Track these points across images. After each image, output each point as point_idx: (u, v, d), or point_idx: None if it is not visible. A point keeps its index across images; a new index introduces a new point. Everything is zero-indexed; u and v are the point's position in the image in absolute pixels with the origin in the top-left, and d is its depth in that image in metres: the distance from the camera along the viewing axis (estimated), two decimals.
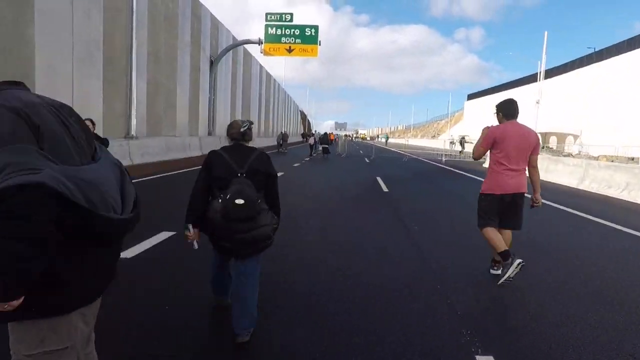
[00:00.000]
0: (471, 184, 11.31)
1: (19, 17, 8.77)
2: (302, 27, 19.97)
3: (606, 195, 10.16)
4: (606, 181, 10.74)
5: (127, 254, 3.76)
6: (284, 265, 3.76)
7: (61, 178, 0.97)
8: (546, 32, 33.95)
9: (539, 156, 3.75)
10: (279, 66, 55.18)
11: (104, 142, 1.39)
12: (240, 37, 23.03)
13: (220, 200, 2.21)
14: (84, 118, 1.54)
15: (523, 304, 3.19)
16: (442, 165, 19.32)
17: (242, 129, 2.41)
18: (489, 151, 3.71)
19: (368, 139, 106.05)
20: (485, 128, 3.73)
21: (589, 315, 2.96)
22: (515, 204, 3.60)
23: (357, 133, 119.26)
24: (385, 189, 9.92)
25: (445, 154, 22.91)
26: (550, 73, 50.79)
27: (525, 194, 3.64)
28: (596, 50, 38.39)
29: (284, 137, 25.44)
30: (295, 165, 16.39)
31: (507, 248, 3.45)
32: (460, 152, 29.41)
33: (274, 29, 19.97)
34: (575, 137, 34.11)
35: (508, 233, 3.66)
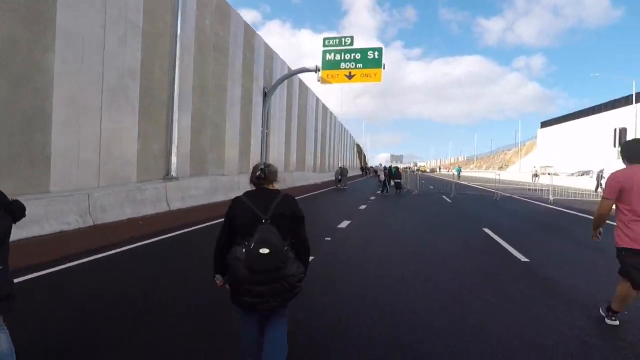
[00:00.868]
0: None
1: (36, 40, 7.35)
2: (364, 50, 17.88)
3: None
4: None
5: None
6: None
7: None
8: None
9: None
10: (332, 100, 54.11)
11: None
12: (294, 83, 21.34)
13: (243, 249, 2.09)
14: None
15: None
16: (556, 207, 15.02)
17: (257, 173, 2.30)
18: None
19: (428, 171, 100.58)
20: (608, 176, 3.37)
21: None
22: None
23: (416, 165, 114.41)
24: (517, 254, 6.48)
25: (551, 191, 17.52)
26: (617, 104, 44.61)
27: None
28: None
29: (342, 171, 22.92)
30: (362, 207, 13.67)
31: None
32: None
33: (332, 54, 18.07)
34: None
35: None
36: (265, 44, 19.24)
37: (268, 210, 2.16)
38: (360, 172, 43.36)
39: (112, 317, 3.48)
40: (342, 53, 18.05)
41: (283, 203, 2.21)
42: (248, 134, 17.40)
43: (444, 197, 18.91)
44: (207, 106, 13.71)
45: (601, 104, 49.91)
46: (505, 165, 78.77)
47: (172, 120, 11.25)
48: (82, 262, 5.34)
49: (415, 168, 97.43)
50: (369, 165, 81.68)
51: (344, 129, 52.61)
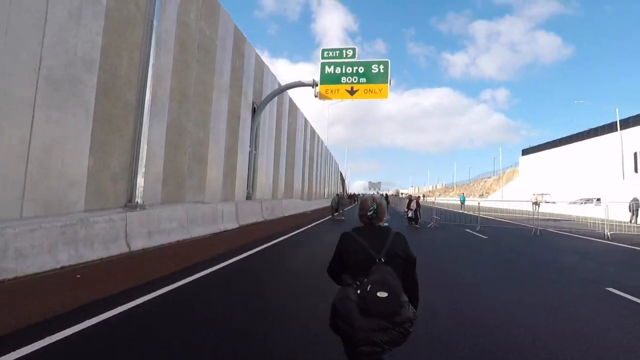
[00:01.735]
0: None
1: None
2: (367, 64, 15.96)
3: None
4: None
5: None
6: None
7: None
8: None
9: None
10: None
11: None
12: (284, 100, 18.96)
13: (358, 291, 1.88)
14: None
15: None
16: (619, 244, 12.27)
17: (369, 214, 2.11)
18: None
19: (421, 197, 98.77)
20: None
21: None
22: None
23: (398, 193, 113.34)
24: None
25: (606, 225, 14.43)
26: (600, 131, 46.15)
27: None
28: None
29: (340, 200, 20.36)
30: None
31: None
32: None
33: (332, 67, 16.06)
34: None
35: None
36: (256, 53, 17.05)
37: (382, 250, 2.01)
38: (348, 200, 41.40)
39: None
40: (344, 66, 16.07)
41: (396, 242, 2.07)
42: (234, 154, 14.82)
43: (468, 230, 15.97)
44: (188, 117, 11.16)
45: (584, 131, 50.70)
46: (487, 192, 78.57)
47: (140, 130, 8.62)
48: None
49: (395, 195, 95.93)
50: (356, 192, 79.75)
51: (330, 154, 50.65)
